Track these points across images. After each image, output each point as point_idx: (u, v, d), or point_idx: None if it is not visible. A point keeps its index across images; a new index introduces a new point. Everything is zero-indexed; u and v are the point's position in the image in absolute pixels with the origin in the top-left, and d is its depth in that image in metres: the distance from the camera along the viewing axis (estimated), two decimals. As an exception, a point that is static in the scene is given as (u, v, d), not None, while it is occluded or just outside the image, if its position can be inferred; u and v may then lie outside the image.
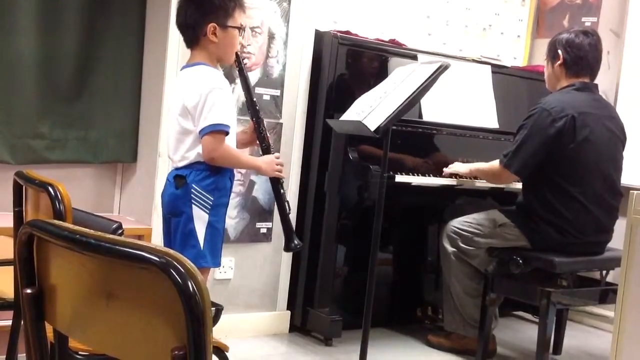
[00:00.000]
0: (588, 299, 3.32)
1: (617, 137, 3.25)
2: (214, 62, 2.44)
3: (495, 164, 3.25)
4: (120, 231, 1.82)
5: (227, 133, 2.35)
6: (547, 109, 3.08)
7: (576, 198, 3.10)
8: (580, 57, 3.20)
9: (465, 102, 3.70)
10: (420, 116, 3.54)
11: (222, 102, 2.34)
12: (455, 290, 3.36)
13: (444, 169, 3.43)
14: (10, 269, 1.93)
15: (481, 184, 3.52)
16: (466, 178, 3.43)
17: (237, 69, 2.56)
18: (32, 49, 3.07)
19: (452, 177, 3.42)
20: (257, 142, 2.58)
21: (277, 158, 2.54)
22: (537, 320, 3.38)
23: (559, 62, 3.23)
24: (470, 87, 3.75)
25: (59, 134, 3.22)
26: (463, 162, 3.51)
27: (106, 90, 3.29)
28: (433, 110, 3.58)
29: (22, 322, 1.18)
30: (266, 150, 2.55)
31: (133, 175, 3.42)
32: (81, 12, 3.19)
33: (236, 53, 2.48)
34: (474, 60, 3.90)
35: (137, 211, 3.33)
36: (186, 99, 2.34)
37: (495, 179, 3.34)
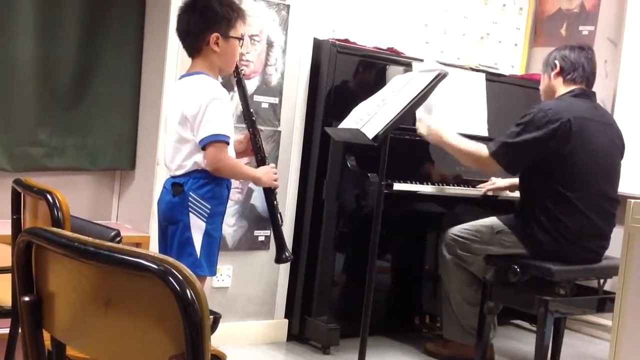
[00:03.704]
0: (586, 308, 3.31)
1: (615, 145, 3.26)
2: (215, 71, 2.44)
3: (480, 148, 3.19)
4: (118, 239, 1.82)
5: (228, 143, 2.35)
6: (544, 109, 3.10)
7: (574, 204, 3.10)
8: (577, 67, 3.22)
9: (459, 109, 3.71)
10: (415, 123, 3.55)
11: (223, 113, 2.35)
12: (453, 298, 3.36)
13: (418, 126, 3.30)
14: (8, 276, 1.93)
15: (478, 192, 3.53)
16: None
17: (235, 79, 2.57)
18: (31, 57, 3.08)
19: (443, 184, 3.41)
20: (253, 152, 2.58)
21: (273, 168, 2.55)
22: (534, 328, 3.37)
23: (555, 71, 3.25)
24: (465, 94, 3.76)
25: (57, 142, 3.22)
26: (460, 170, 3.50)
27: (105, 97, 3.30)
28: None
29: (19, 330, 1.18)
30: (261, 162, 2.55)
31: (131, 182, 3.42)
32: (80, 20, 3.19)
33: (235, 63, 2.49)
34: (471, 69, 3.91)
35: (135, 219, 3.33)
36: (185, 108, 2.34)
37: (479, 163, 3.27)
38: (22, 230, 1.65)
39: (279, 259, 2.60)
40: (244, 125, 2.62)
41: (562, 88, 3.25)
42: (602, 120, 3.23)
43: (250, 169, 2.57)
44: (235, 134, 2.51)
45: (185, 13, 2.42)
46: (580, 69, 3.23)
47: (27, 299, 1.08)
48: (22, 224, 1.97)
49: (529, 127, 3.08)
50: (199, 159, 2.35)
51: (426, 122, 3.31)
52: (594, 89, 3.33)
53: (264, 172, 2.51)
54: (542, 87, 3.36)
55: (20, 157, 3.12)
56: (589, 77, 3.26)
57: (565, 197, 3.10)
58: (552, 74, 3.26)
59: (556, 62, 3.25)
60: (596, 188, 3.15)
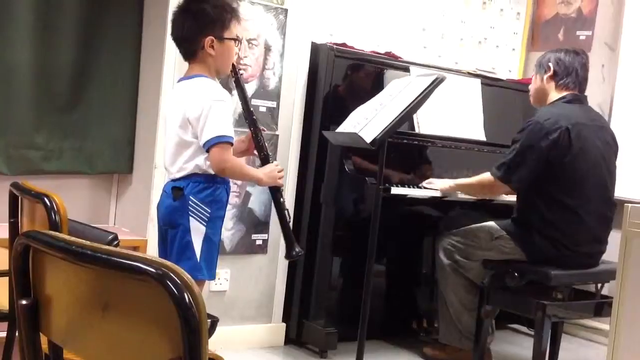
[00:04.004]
0: (583, 312, 3.31)
1: (610, 147, 3.26)
2: (212, 74, 2.44)
3: (485, 176, 3.23)
4: (115, 242, 1.82)
5: (232, 144, 2.35)
6: (541, 121, 3.08)
7: (572, 210, 3.10)
8: (570, 72, 3.22)
9: (455, 114, 3.72)
10: (412, 128, 3.56)
11: (225, 114, 2.35)
12: (451, 303, 3.36)
13: (422, 184, 3.40)
14: (6, 279, 1.92)
15: (475, 196, 3.53)
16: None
17: (233, 80, 2.57)
18: (29, 60, 3.08)
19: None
20: (255, 151, 2.58)
21: (277, 166, 2.54)
22: (532, 333, 3.37)
23: (548, 74, 3.23)
24: (460, 99, 3.76)
25: (55, 145, 3.22)
26: (457, 174, 3.50)
27: (102, 101, 3.29)
28: (426, 123, 3.60)
29: (17, 334, 1.17)
30: (265, 160, 2.54)
31: (129, 186, 3.42)
32: (78, 24, 3.19)
33: (232, 64, 2.49)
34: (469, 73, 3.91)
35: (133, 222, 3.33)
36: (187, 110, 2.34)
37: (487, 191, 3.33)
38: (20, 233, 1.65)
39: (289, 255, 2.59)
40: (244, 129, 2.62)
41: (554, 93, 3.24)
42: (595, 124, 3.23)
43: (252, 170, 2.56)
44: (236, 135, 2.51)
45: (178, 18, 2.43)
46: (573, 75, 3.22)
47: (24, 302, 1.08)
48: (19, 227, 1.97)
49: (527, 141, 3.07)
50: (200, 162, 2.35)
51: (434, 186, 3.40)
52: (589, 93, 3.33)
53: (266, 172, 2.50)
54: (533, 87, 3.33)
55: (17, 160, 3.12)
56: (582, 83, 3.26)
57: (564, 204, 3.09)
58: (545, 76, 3.25)
59: (550, 64, 3.23)
60: (595, 193, 3.15)
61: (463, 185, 3.37)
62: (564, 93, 3.21)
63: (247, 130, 2.61)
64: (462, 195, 3.43)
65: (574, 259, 3.13)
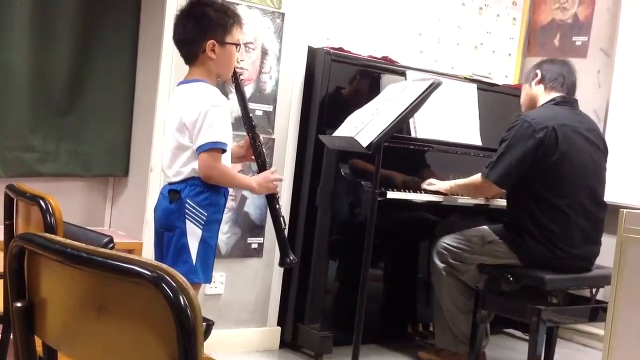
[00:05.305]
0: (578, 317, 3.32)
1: (599, 149, 3.28)
2: (213, 78, 2.44)
3: (476, 177, 3.26)
4: (111, 245, 1.82)
5: (224, 151, 2.35)
6: (528, 120, 3.13)
7: (562, 210, 3.11)
8: (557, 75, 3.30)
9: (451, 119, 3.73)
10: (409, 132, 3.56)
11: (221, 120, 2.35)
12: (446, 306, 3.36)
13: (422, 185, 3.42)
14: (0, 282, 1.92)
15: (470, 200, 3.53)
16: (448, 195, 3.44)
17: (233, 86, 2.57)
18: (26, 63, 3.07)
19: (438, 194, 3.43)
20: (253, 157, 2.58)
21: (273, 173, 2.54)
22: (527, 337, 3.37)
23: (536, 79, 3.31)
24: (457, 104, 3.77)
25: (50, 147, 3.21)
26: (453, 178, 3.52)
27: (99, 104, 3.29)
28: (422, 127, 3.60)
29: (11, 336, 1.17)
30: (262, 166, 2.54)
31: (124, 189, 3.41)
32: (74, 26, 3.19)
33: (234, 69, 2.49)
34: (465, 78, 3.92)
35: (128, 225, 3.32)
36: (184, 115, 2.34)
37: (478, 191, 3.35)
38: (15, 236, 1.65)
39: (282, 263, 2.60)
40: (243, 132, 2.62)
41: (543, 96, 3.29)
42: (584, 126, 3.26)
43: (244, 178, 2.56)
44: (234, 140, 2.51)
45: (181, 21, 2.43)
46: (560, 78, 3.28)
47: (19, 304, 1.07)
48: (14, 229, 1.97)
49: (515, 140, 3.10)
50: (197, 166, 2.35)
51: (436, 187, 3.42)
52: (585, 99, 3.35)
53: (259, 181, 2.50)
54: (522, 97, 3.42)
55: (13, 163, 3.12)
56: (570, 87, 3.32)
57: (554, 204, 3.11)
58: (533, 82, 3.31)
59: (537, 71, 3.32)
60: (583, 193, 3.17)
61: (459, 186, 3.39)
62: (554, 95, 3.26)
63: (244, 133, 2.61)
64: (459, 200, 3.44)
65: (569, 261, 3.14)
